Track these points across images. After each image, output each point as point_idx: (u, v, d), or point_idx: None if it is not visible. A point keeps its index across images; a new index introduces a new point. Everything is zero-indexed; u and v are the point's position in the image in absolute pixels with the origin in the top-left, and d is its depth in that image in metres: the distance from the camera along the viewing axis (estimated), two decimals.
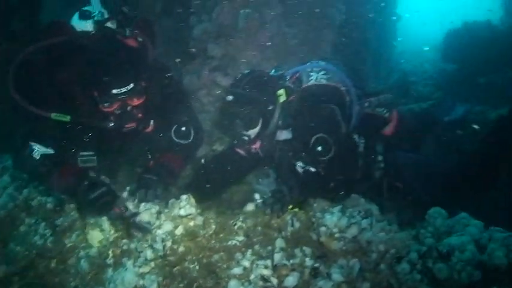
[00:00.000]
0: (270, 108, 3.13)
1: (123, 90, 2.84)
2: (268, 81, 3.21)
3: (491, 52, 9.76)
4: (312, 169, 3.16)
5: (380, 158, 3.30)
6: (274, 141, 3.22)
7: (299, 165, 3.19)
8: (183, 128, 3.31)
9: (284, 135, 3.18)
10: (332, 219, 2.75)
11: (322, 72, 3.25)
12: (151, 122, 3.24)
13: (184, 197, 3.00)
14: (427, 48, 14.12)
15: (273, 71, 3.44)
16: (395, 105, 3.60)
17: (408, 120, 3.85)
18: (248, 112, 3.08)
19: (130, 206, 2.95)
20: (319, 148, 2.90)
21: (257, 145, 3.23)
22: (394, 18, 13.23)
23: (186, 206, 2.94)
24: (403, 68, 12.98)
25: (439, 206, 3.44)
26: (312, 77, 3.24)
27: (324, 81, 3.22)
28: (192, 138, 3.35)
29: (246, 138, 3.16)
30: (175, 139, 3.34)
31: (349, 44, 6.77)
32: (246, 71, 3.30)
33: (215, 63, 4.58)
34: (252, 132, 3.16)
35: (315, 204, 3.04)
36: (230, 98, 3.11)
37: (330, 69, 3.28)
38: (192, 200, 2.99)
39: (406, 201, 3.75)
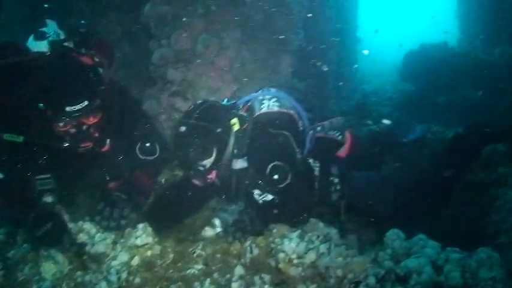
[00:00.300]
0: (224, 137, 3.14)
1: (77, 107, 2.76)
2: (221, 110, 3.22)
3: (448, 72, 10.11)
4: (270, 196, 3.16)
5: (336, 180, 3.33)
6: (231, 170, 3.21)
7: (256, 193, 3.19)
8: (148, 144, 3.27)
9: (239, 164, 3.18)
10: (290, 245, 2.74)
11: (273, 100, 3.28)
12: (108, 141, 3.18)
13: (140, 226, 2.94)
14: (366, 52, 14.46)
15: (225, 100, 3.46)
16: (348, 127, 3.67)
17: (362, 140, 3.93)
18: (201, 142, 3.08)
19: (85, 237, 2.87)
20: (276, 176, 2.91)
21: (213, 175, 3.22)
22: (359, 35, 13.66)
23: (142, 235, 2.88)
24: (364, 88, 13.29)
25: (397, 223, 3.55)
26: (264, 105, 3.26)
27: (276, 108, 3.24)
28: (158, 153, 3.31)
29: (201, 168, 3.15)
30: (141, 156, 3.28)
31: (309, 67, 6.91)
32: (199, 102, 3.30)
33: (174, 88, 4.56)
34: (207, 162, 3.14)
35: (274, 230, 3.03)
36: (183, 129, 3.10)
37: (281, 96, 3.32)
38: (149, 229, 2.94)
39: (365, 221, 3.80)
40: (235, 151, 3.17)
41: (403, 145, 4.42)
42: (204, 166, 3.13)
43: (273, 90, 3.37)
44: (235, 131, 3.17)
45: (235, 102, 3.41)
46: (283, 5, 4.91)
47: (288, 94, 3.39)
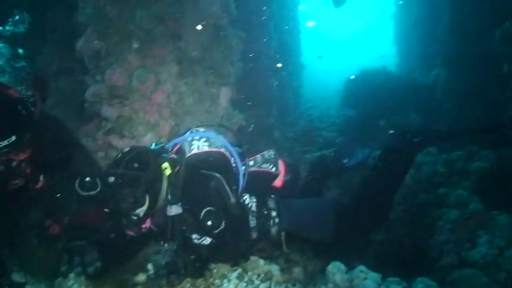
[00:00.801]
0: (156, 184, 3.06)
1: (4, 143, 2.63)
2: (150, 156, 3.13)
3: (388, 96, 10.45)
4: (208, 240, 3.10)
5: (274, 213, 3.32)
6: (166, 216, 3.12)
7: (195, 237, 3.12)
8: (88, 179, 3.12)
9: (174, 210, 3.09)
10: (229, 287, 2.68)
11: (203, 140, 3.25)
12: (41, 177, 3.02)
13: (72, 275, 2.80)
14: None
15: (153, 145, 3.37)
16: (281, 157, 3.69)
17: (297, 168, 3.96)
18: (132, 192, 2.96)
19: None
20: (209, 222, 2.86)
21: (147, 223, 3.11)
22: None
23: (74, 285, 2.75)
24: (310, 114, 13.55)
25: (339, 248, 3.55)
26: (194, 146, 3.22)
27: (206, 148, 3.21)
28: (100, 187, 3.16)
29: (134, 218, 3.03)
30: (82, 192, 3.13)
31: (249, 98, 6.95)
32: (126, 149, 3.19)
33: (110, 126, 4.42)
34: (141, 211, 3.03)
35: (214, 271, 2.97)
36: (111, 179, 2.99)
37: (210, 136, 3.30)
38: (82, 278, 2.80)
39: (310, 250, 3.79)
40: (169, 196, 3.09)
41: (346, 170, 4.47)
42: (137, 215, 3.01)
43: (201, 130, 3.34)
44: (168, 176, 3.09)
45: (163, 146, 3.34)
46: (221, 38, 4.91)
47: (217, 132, 3.37)
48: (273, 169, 3.49)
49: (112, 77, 4.28)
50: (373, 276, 2.77)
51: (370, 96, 10.62)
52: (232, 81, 5.08)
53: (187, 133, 3.35)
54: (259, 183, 3.38)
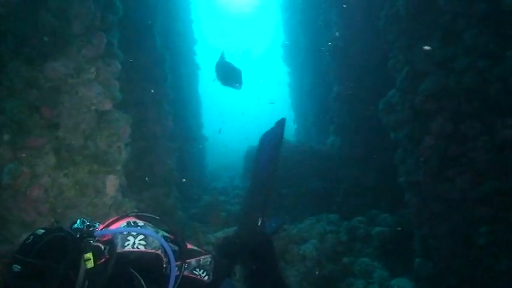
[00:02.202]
0: (71, 277, 2.63)
1: None
2: (68, 243, 2.70)
3: (289, 164, 10.59)
4: None
5: None
6: None
7: None
8: None
9: None
10: None
11: (139, 238, 2.91)
12: None
13: None
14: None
15: (78, 222, 2.95)
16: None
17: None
18: (40, 286, 2.51)
19: None
20: None
21: None
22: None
23: None
24: (214, 186, 13.37)
25: None
26: (129, 242, 2.88)
27: (142, 248, 2.89)
28: None
29: None
30: None
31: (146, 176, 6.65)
32: (39, 231, 2.74)
33: None
34: None
35: None
36: (17, 268, 2.51)
37: (147, 234, 2.97)
38: None
39: None
40: None
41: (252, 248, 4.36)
42: None
43: (140, 224, 3.01)
44: (89, 268, 2.68)
45: (90, 228, 2.93)
46: (105, 122, 4.62)
47: (154, 228, 3.06)
48: (205, 278, 3.22)
49: None
50: None
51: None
52: (120, 168, 4.74)
53: (124, 224, 2.98)
54: None
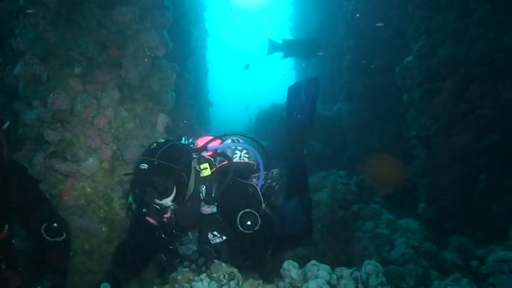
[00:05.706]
0: (185, 178, 3.20)
1: None
2: (183, 151, 3.27)
3: None
4: (224, 237, 3.36)
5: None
6: (190, 212, 3.29)
7: (214, 234, 3.34)
8: (55, 225, 3.10)
9: (210, 209, 3.29)
10: (203, 285, 2.90)
11: (244, 152, 3.56)
12: (6, 227, 2.94)
13: None
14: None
15: (183, 139, 3.52)
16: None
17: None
18: (163, 181, 3.05)
19: None
20: (248, 222, 3.07)
21: (168, 214, 3.20)
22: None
23: None
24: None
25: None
26: (237, 155, 3.51)
27: (246, 160, 3.54)
28: (65, 234, 3.17)
29: (157, 207, 3.12)
30: (49, 238, 3.09)
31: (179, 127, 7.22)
32: (161, 140, 3.32)
33: (51, 149, 4.42)
34: (164, 202, 3.14)
35: (179, 277, 3.14)
36: (144, 166, 3.07)
37: (249, 149, 3.63)
38: None
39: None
40: (203, 195, 3.29)
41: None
42: (160, 205, 3.13)
43: (241, 141, 3.66)
44: (205, 176, 3.28)
45: (201, 146, 3.54)
46: (157, 67, 5.16)
47: (251, 145, 3.72)
48: (276, 187, 3.89)
49: (56, 101, 4.31)
50: (324, 266, 3.15)
51: (280, 129, 11.27)
52: (169, 108, 5.33)
53: (229, 141, 3.62)
54: (269, 198, 3.81)
